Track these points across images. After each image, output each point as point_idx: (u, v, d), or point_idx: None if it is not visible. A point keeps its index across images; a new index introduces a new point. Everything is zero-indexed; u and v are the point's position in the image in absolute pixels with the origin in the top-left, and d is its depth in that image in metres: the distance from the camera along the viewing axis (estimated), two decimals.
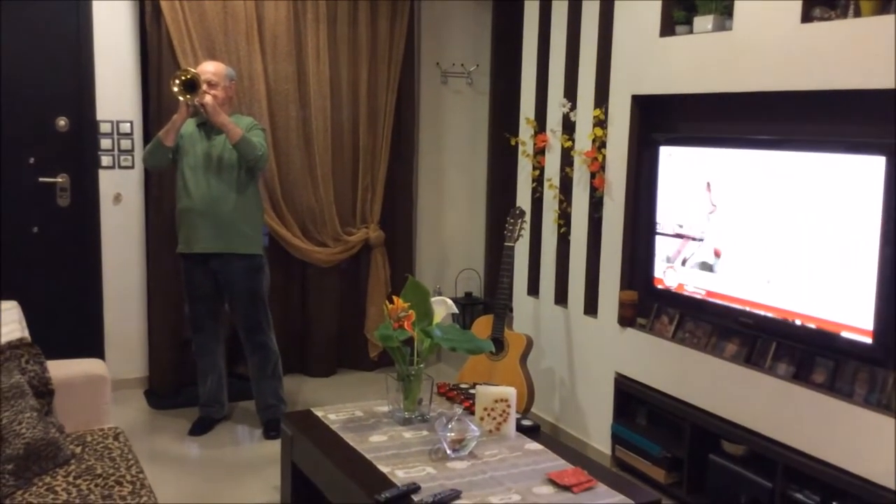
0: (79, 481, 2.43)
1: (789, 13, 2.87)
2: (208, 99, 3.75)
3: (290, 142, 4.68)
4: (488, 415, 2.80)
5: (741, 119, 3.28)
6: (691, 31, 3.33)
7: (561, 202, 4.10)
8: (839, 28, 2.73)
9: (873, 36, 2.60)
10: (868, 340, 2.69)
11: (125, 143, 4.50)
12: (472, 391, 3.15)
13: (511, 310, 4.31)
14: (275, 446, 3.52)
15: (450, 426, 2.63)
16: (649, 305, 3.68)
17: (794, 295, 2.95)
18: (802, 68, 2.84)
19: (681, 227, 3.43)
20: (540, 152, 4.24)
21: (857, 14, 2.72)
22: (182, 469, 3.75)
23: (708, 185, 3.26)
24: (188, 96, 3.71)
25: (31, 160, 4.37)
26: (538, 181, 4.27)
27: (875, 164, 2.64)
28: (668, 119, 3.61)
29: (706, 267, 3.32)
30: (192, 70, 3.80)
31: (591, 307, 3.94)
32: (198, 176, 3.86)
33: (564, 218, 4.10)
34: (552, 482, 2.45)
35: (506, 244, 3.96)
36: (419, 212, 5.32)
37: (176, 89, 3.71)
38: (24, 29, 4.26)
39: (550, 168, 4.16)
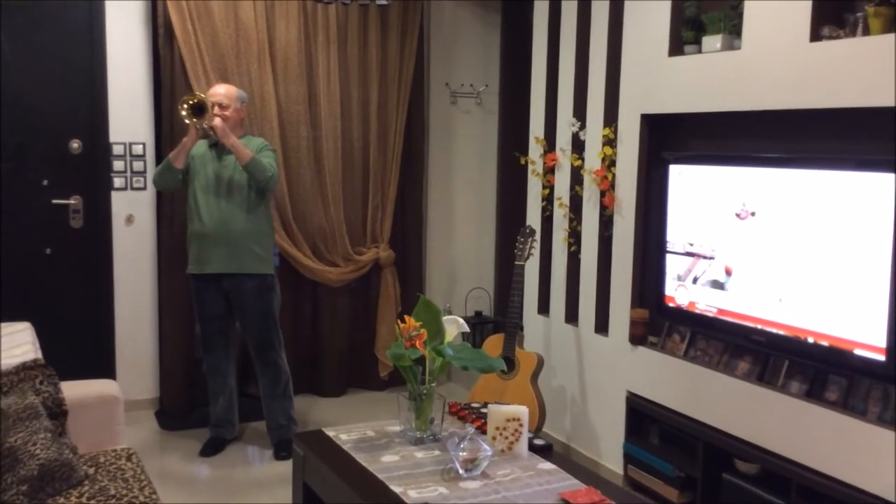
0: (92, 502, 2.43)
1: (798, 32, 2.89)
2: (217, 121, 3.79)
3: (301, 162, 4.71)
4: (500, 434, 2.79)
5: (751, 137, 3.29)
6: (700, 51, 3.35)
7: (571, 221, 4.11)
8: (848, 46, 2.74)
9: (882, 54, 2.61)
10: (881, 358, 2.68)
11: (138, 165, 4.54)
12: (483, 410, 3.14)
13: (522, 329, 4.31)
14: (286, 467, 3.52)
15: (462, 445, 2.62)
16: (660, 324, 3.67)
17: (806, 312, 2.94)
18: (812, 87, 2.84)
19: (691, 245, 3.43)
20: (550, 171, 4.25)
21: (866, 32, 2.72)
22: (193, 490, 3.75)
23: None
24: (195, 120, 3.75)
25: (45, 182, 4.41)
26: (548, 200, 4.28)
27: (885, 182, 2.64)
28: (677, 137, 3.62)
29: (717, 285, 3.31)
30: (200, 94, 3.84)
31: (601, 326, 3.93)
32: (209, 197, 3.89)
33: (574, 236, 4.10)
34: (565, 502, 2.44)
35: (516, 263, 3.97)
36: (429, 231, 5.34)
37: (184, 114, 3.75)
38: (39, 52, 4.31)
39: (560, 187, 4.17)
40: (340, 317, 5.01)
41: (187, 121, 3.76)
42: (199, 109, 3.75)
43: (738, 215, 3.20)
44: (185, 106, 3.75)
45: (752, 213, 3.14)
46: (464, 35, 5.28)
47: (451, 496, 2.46)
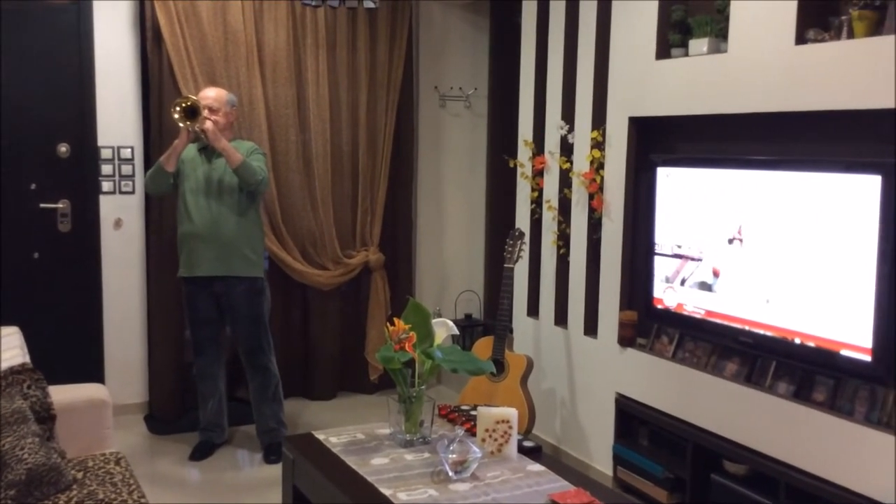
0: None
1: (783, 35, 2.91)
2: (209, 125, 3.79)
3: (290, 166, 4.70)
4: (490, 436, 2.80)
5: (738, 140, 3.31)
6: (687, 54, 3.37)
7: (560, 223, 4.12)
8: (833, 49, 2.76)
9: (867, 57, 2.63)
10: (867, 358, 2.70)
11: (126, 169, 4.53)
12: (473, 413, 3.15)
13: (511, 331, 4.32)
14: (276, 470, 3.51)
15: (451, 448, 2.62)
16: (649, 325, 3.68)
17: (793, 314, 2.96)
18: (797, 89, 2.86)
19: (679, 247, 3.45)
20: (538, 174, 4.27)
21: (851, 35, 2.75)
22: (183, 494, 3.74)
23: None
24: (188, 123, 3.75)
25: (33, 186, 4.39)
26: (537, 203, 4.29)
27: (871, 183, 2.66)
28: (665, 140, 3.64)
29: (705, 286, 3.33)
30: (192, 97, 3.84)
31: (590, 328, 3.94)
32: (199, 200, 3.88)
33: (563, 239, 4.12)
34: (555, 503, 2.45)
35: (505, 266, 3.98)
36: (419, 234, 5.34)
37: (177, 116, 3.75)
38: (26, 56, 4.30)
39: (549, 189, 4.18)
40: (330, 320, 5.00)
41: (181, 124, 3.76)
42: (192, 112, 3.76)
43: (733, 237, 3.22)
44: (178, 109, 3.75)
45: (742, 239, 3.16)
46: (452, 38, 5.29)
47: (440, 498, 2.46)
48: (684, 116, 3.39)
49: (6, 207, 4.32)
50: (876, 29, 2.69)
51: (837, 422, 2.76)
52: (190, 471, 3.99)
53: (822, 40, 2.82)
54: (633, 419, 3.72)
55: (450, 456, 2.61)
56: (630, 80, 3.61)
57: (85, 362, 4.50)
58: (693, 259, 3.38)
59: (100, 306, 4.54)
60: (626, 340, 3.70)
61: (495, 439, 2.79)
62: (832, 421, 2.77)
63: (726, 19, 3.17)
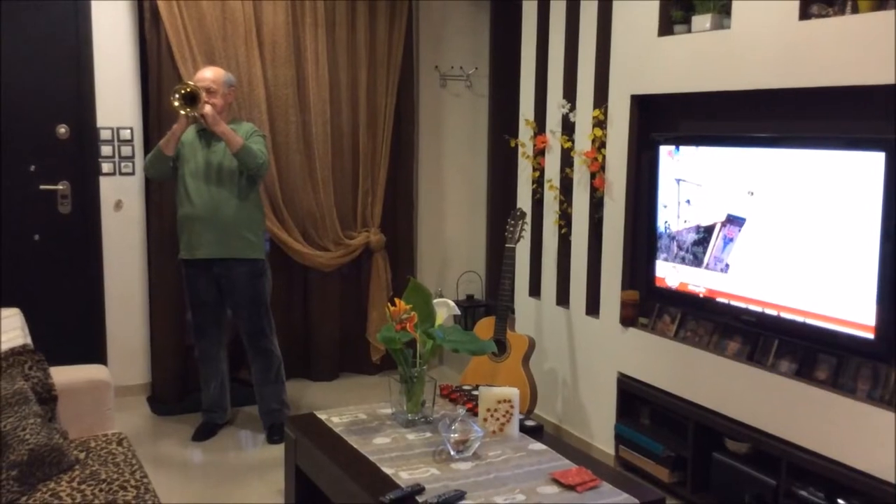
0: (83, 486, 2.43)
1: (787, 10, 2.88)
2: (208, 109, 3.75)
3: (290, 146, 4.68)
4: (491, 416, 2.80)
5: (741, 117, 3.29)
6: (689, 31, 3.34)
7: (561, 203, 4.10)
8: (837, 24, 2.73)
9: (871, 32, 2.61)
10: (870, 336, 2.69)
11: (125, 150, 4.51)
12: (474, 392, 3.15)
13: (513, 311, 4.31)
14: (278, 450, 3.53)
15: (453, 427, 2.63)
16: (651, 305, 3.68)
17: (795, 292, 2.95)
18: (801, 65, 2.84)
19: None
20: (540, 153, 4.24)
21: (855, 10, 2.72)
22: (186, 474, 3.75)
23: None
24: (188, 109, 3.72)
25: (32, 168, 4.38)
26: (538, 182, 4.27)
27: (875, 160, 2.64)
28: (667, 118, 3.61)
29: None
30: (191, 83, 3.80)
31: (592, 307, 3.94)
32: (199, 183, 3.86)
33: (565, 218, 4.10)
34: (556, 482, 2.45)
35: (507, 246, 3.96)
36: (420, 215, 5.33)
37: (176, 104, 3.71)
38: (24, 37, 4.28)
39: (550, 169, 4.16)
40: (332, 301, 5.00)
41: (181, 111, 3.73)
42: (192, 99, 3.72)
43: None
44: (178, 95, 3.72)
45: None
46: (453, 17, 5.25)
47: (442, 477, 2.47)
48: (687, 94, 3.36)
49: (6, 189, 4.31)
50: (880, 4, 2.66)
51: (839, 399, 2.76)
52: (192, 451, 4.00)
53: (826, 15, 2.79)
54: (634, 398, 3.72)
55: (451, 435, 2.61)
56: (632, 57, 3.58)
57: (86, 344, 4.51)
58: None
59: (101, 288, 4.54)
60: (628, 320, 3.70)
61: (497, 419, 2.80)
62: (834, 399, 2.77)
63: None
